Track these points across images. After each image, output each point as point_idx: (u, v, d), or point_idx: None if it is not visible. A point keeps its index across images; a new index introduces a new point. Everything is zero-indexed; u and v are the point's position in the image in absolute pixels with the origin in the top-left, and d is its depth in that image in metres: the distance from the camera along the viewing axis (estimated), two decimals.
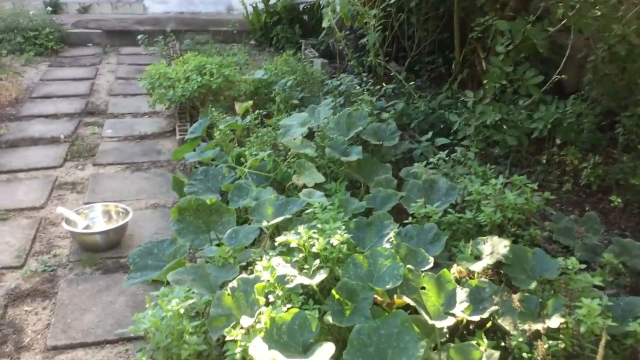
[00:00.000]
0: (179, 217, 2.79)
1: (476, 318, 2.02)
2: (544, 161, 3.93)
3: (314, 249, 2.19)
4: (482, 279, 2.29)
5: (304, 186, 3.02)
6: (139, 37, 7.41)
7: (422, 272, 2.19)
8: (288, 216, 2.65)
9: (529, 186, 2.84)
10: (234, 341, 1.89)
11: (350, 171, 3.38)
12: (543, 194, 2.88)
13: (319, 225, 2.33)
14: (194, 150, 3.84)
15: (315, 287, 2.11)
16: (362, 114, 3.68)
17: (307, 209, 2.65)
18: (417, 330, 1.84)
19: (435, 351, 1.95)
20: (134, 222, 3.32)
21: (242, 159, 3.41)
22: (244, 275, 2.20)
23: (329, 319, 1.97)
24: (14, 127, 4.94)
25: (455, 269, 2.36)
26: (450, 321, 1.96)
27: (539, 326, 1.99)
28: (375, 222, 2.57)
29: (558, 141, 3.86)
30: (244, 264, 2.48)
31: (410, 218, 2.73)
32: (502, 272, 2.37)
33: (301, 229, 2.27)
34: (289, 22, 7.85)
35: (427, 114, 4.44)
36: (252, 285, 2.10)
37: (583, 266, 2.19)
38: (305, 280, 2.05)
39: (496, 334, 2.16)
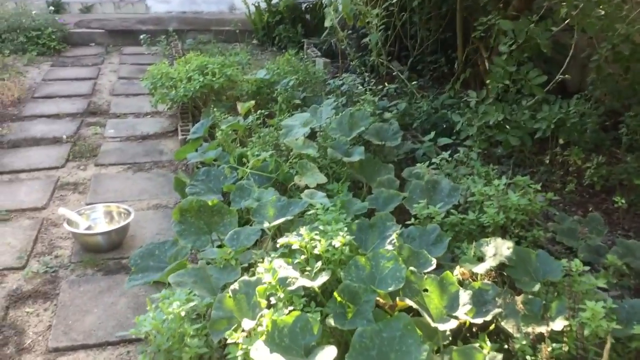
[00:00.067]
0: (181, 218, 2.78)
1: (479, 321, 2.01)
2: (547, 161, 3.91)
3: (316, 251, 2.18)
4: (485, 281, 2.27)
5: (306, 187, 3.01)
6: (141, 36, 7.42)
7: (425, 274, 2.18)
8: (290, 217, 2.64)
9: (532, 187, 2.82)
10: (236, 344, 1.88)
11: (353, 172, 3.36)
12: (546, 195, 2.86)
13: (321, 227, 2.31)
14: (196, 150, 3.83)
15: (317, 290, 2.10)
16: (365, 114, 3.67)
17: (309, 210, 2.64)
18: (420, 333, 1.82)
19: (438, 354, 1.94)
20: (135, 222, 3.31)
21: (244, 160, 3.40)
22: (245, 277, 2.19)
23: (331, 321, 1.96)
24: (16, 127, 4.94)
25: (458, 270, 2.34)
26: (453, 324, 1.95)
27: (542, 329, 1.98)
28: (377, 223, 2.56)
29: (561, 141, 3.83)
30: (246, 265, 2.47)
31: (412, 219, 2.71)
32: (505, 274, 2.35)
33: (303, 230, 2.26)
34: (292, 22, 7.85)
35: (430, 114, 4.43)
36: (253, 287, 2.09)
37: (587, 268, 2.17)
38: (307, 283, 2.04)
39: (499, 337, 2.14)
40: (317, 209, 2.51)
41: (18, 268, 2.97)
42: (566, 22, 3.76)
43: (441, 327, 1.92)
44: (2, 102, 5.46)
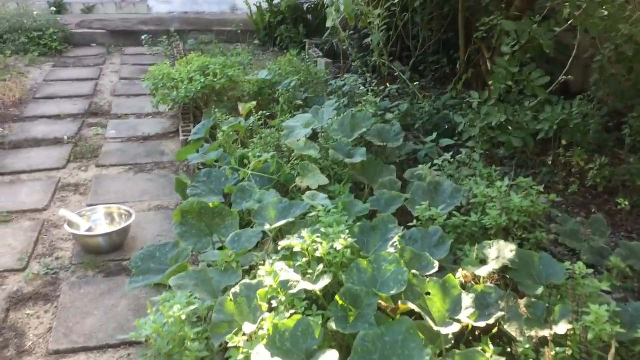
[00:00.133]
0: (182, 220, 2.77)
1: (482, 324, 1.99)
2: (550, 162, 3.89)
3: (318, 254, 2.17)
4: (488, 284, 2.26)
5: (308, 188, 3.00)
6: (142, 37, 7.42)
7: (427, 276, 2.17)
8: (291, 219, 2.63)
9: (534, 188, 2.81)
10: (237, 348, 1.87)
11: (355, 173, 3.35)
12: (549, 196, 2.85)
13: (322, 229, 2.30)
14: (198, 151, 3.83)
15: (318, 293, 2.09)
16: (366, 115, 3.66)
17: (311, 212, 2.62)
18: (422, 337, 1.81)
19: (440, 358, 1.93)
20: (136, 224, 3.30)
21: (246, 161, 3.39)
22: (246, 280, 2.18)
23: (332, 325, 1.95)
24: (17, 128, 4.93)
25: (460, 273, 2.33)
26: (455, 327, 1.94)
27: (545, 332, 1.96)
28: (379, 225, 2.54)
29: (564, 142, 3.82)
30: (247, 267, 2.46)
31: (414, 221, 2.70)
32: (508, 277, 2.34)
33: (305, 232, 2.25)
34: (293, 22, 7.84)
35: (432, 115, 4.41)
36: (254, 290, 2.08)
37: (590, 271, 2.16)
38: (309, 286, 2.02)
39: (502, 340, 2.13)
40: (319, 211, 2.50)
41: (19, 270, 2.96)
42: (569, 22, 3.74)
43: (444, 330, 1.91)
44: (3, 102, 5.45)
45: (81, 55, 7.47)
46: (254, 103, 4.38)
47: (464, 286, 2.23)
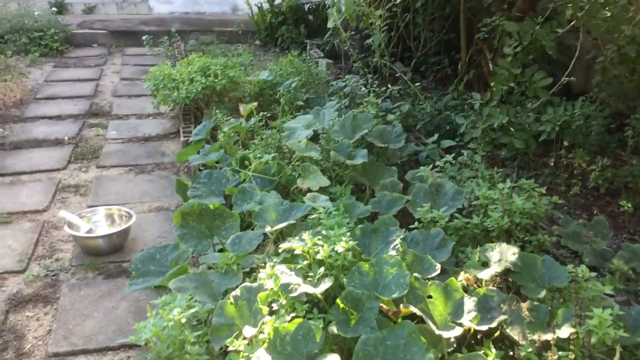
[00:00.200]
0: (182, 222, 2.76)
1: (484, 328, 1.98)
2: (552, 164, 3.88)
3: (319, 256, 2.16)
4: (490, 287, 2.24)
5: (309, 190, 2.99)
6: (143, 37, 7.42)
7: (429, 279, 2.16)
8: (292, 221, 2.62)
9: (536, 190, 2.80)
10: (237, 352, 1.86)
11: (356, 174, 3.34)
12: (551, 198, 2.84)
13: (323, 232, 2.29)
14: (198, 152, 3.81)
15: (319, 296, 2.07)
16: (368, 116, 3.64)
17: (312, 214, 2.61)
18: (424, 341, 1.80)
19: None
20: (137, 225, 3.29)
21: (246, 162, 3.38)
22: (247, 283, 2.17)
23: (333, 329, 1.94)
24: (18, 128, 4.92)
25: (462, 276, 2.31)
26: (457, 331, 1.92)
27: (548, 336, 1.95)
28: (380, 228, 2.53)
29: (566, 144, 3.80)
30: (248, 270, 2.45)
31: (416, 222, 2.69)
32: (510, 280, 2.32)
33: (305, 235, 2.24)
34: (294, 23, 7.82)
35: (433, 116, 4.40)
36: (255, 293, 2.06)
37: (593, 274, 2.15)
38: (310, 289, 2.01)
39: (504, 344, 2.11)
40: (320, 213, 2.48)
41: (19, 271, 2.95)
42: (571, 23, 3.73)
43: (445, 334, 1.90)
44: (4, 103, 5.44)
45: (82, 56, 7.46)
46: (255, 104, 4.37)
47: (466, 289, 2.21)
